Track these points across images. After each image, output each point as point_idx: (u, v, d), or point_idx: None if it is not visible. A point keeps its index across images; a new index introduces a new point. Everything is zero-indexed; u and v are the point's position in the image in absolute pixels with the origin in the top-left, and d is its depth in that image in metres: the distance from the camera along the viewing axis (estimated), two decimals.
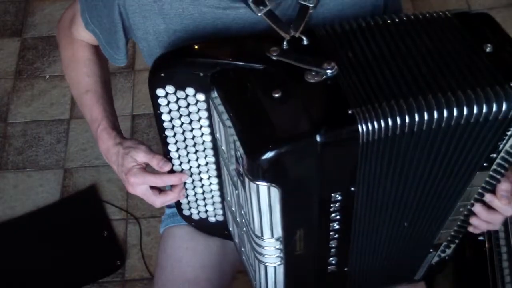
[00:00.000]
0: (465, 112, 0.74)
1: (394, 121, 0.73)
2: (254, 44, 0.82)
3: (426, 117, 0.74)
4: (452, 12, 0.84)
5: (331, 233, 0.86)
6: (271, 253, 0.85)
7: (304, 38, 0.80)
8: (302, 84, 0.75)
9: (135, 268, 1.81)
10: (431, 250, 1.01)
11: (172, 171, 0.94)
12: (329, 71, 0.75)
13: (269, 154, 0.70)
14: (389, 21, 0.82)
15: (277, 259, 0.87)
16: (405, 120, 0.74)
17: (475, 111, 0.74)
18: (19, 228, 1.90)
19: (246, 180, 0.75)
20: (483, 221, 0.93)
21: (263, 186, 0.74)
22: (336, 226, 0.84)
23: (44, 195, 1.96)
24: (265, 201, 0.76)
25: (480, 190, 0.89)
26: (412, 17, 0.83)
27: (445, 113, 0.74)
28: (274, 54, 0.78)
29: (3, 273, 1.80)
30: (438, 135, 0.77)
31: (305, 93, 0.74)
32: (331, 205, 0.81)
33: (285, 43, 0.79)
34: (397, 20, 0.82)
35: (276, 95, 0.74)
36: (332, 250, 0.89)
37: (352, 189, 0.80)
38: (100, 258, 1.84)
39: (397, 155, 0.79)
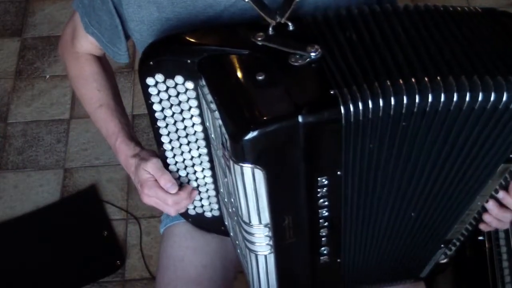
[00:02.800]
0: (492, 97, 0.73)
1: (376, 103, 0.72)
2: (241, 31, 0.82)
3: (417, 99, 0.73)
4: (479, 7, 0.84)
5: (320, 220, 0.85)
6: (261, 241, 0.85)
7: (289, 23, 0.80)
8: (286, 67, 0.75)
9: (135, 268, 1.81)
10: (442, 245, 1.00)
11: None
12: (313, 54, 0.75)
13: (251, 135, 0.71)
14: (406, 9, 0.82)
15: (267, 247, 0.87)
16: (390, 102, 0.73)
17: (504, 98, 0.73)
18: (19, 228, 1.90)
19: (231, 163, 0.75)
20: (494, 218, 0.92)
21: (247, 168, 0.74)
22: (325, 213, 0.84)
23: (44, 195, 1.96)
24: (250, 184, 0.77)
25: (496, 187, 0.87)
26: (441, 8, 0.83)
27: (454, 97, 0.73)
28: (259, 39, 0.78)
29: (3, 273, 1.80)
30: (455, 120, 0.76)
31: (289, 76, 0.75)
32: (318, 190, 0.80)
33: (270, 28, 0.79)
34: (421, 8, 0.82)
35: (260, 77, 0.74)
36: (323, 239, 0.88)
37: (338, 173, 0.79)
38: (100, 258, 1.84)
39: (402, 140, 0.78)
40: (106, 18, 0.96)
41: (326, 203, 0.82)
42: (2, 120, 2.14)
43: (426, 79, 0.73)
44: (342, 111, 0.72)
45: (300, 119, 0.71)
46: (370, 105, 0.72)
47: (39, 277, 1.79)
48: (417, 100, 0.73)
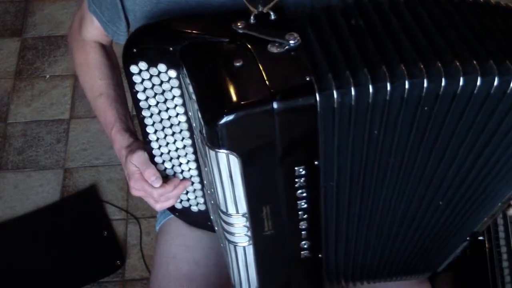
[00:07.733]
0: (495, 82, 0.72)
1: (379, 88, 0.72)
2: (224, 18, 0.83)
3: (443, 83, 0.72)
4: None
5: (299, 212, 0.84)
6: (239, 231, 0.85)
7: (271, 13, 0.80)
8: (264, 54, 0.75)
9: (135, 268, 1.81)
10: (468, 238, 0.98)
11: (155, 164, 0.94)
12: (292, 42, 0.75)
13: (225, 119, 0.71)
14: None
15: (246, 238, 0.86)
16: (403, 86, 0.72)
17: None
18: (19, 228, 1.90)
19: (207, 149, 0.75)
20: None
21: (221, 154, 0.75)
22: (304, 204, 0.83)
23: (44, 195, 1.96)
24: (225, 171, 0.77)
25: None
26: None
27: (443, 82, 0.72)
28: (240, 27, 0.78)
29: (3, 273, 1.81)
30: (496, 105, 0.74)
31: (266, 63, 0.75)
32: (296, 180, 0.80)
33: (252, 17, 0.80)
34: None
35: (237, 64, 0.75)
36: (303, 232, 0.87)
37: (315, 163, 0.79)
38: (100, 258, 1.84)
39: (423, 124, 0.76)
40: None
41: (305, 194, 0.82)
42: (2, 120, 2.14)
43: (457, 63, 0.72)
44: (318, 97, 0.72)
45: (274, 105, 0.71)
46: (371, 90, 0.72)
47: (39, 277, 1.80)
48: (443, 84, 0.72)
